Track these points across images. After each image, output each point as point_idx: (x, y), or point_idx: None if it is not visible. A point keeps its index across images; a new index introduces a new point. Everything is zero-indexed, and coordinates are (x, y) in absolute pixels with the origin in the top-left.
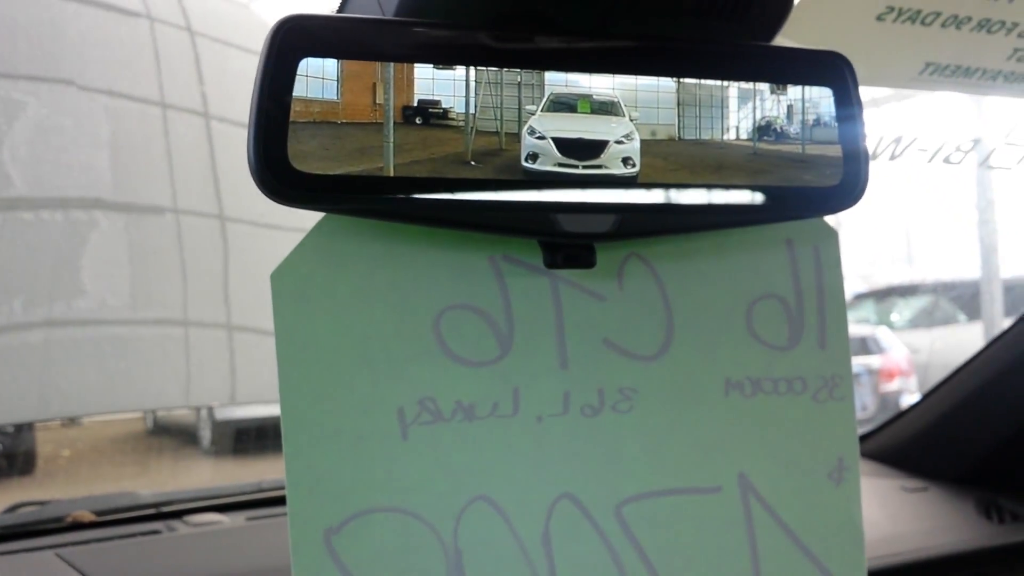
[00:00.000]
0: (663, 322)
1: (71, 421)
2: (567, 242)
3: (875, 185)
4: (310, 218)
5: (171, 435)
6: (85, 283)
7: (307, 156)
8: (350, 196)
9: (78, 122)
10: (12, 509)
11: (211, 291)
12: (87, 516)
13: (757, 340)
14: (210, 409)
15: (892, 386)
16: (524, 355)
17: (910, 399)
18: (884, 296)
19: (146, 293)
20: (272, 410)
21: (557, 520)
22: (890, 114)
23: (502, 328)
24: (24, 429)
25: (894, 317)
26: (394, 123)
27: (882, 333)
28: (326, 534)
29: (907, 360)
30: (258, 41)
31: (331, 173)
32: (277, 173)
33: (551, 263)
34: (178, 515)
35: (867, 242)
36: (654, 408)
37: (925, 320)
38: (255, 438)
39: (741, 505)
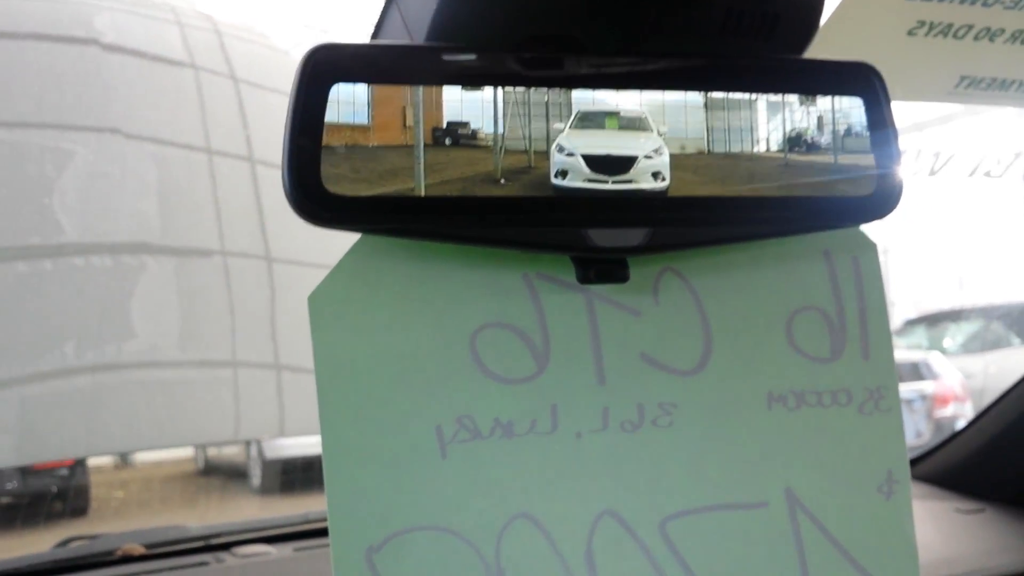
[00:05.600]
0: (701, 336)
1: (124, 461)
2: (599, 257)
3: (922, 210)
4: None
5: (220, 475)
6: (135, 325)
7: (340, 179)
8: (383, 216)
9: (125, 169)
10: (63, 544)
11: (258, 330)
12: (137, 549)
13: (798, 352)
14: (259, 448)
15: (946, 412)
16: (561, 372)
17: (965, 424)
18: (935, 321)
19: (194, 334)
20: (317, 447)
21: (600, 537)
22: (933, 137)
23: (538, 345)
24: (78, 471)
25: (946, 342)
26: (424, 144)
27: (934, 358)
28: (367, 553)
29: (961, 385)
30: None
31: (364, 195)
32: (311, 196)
33: (584, 279)
34: (226, 547)
35: (916, 267)
36: (695, 423)
37: (978, 344)
38: (301, 474)
39: (789, 521)
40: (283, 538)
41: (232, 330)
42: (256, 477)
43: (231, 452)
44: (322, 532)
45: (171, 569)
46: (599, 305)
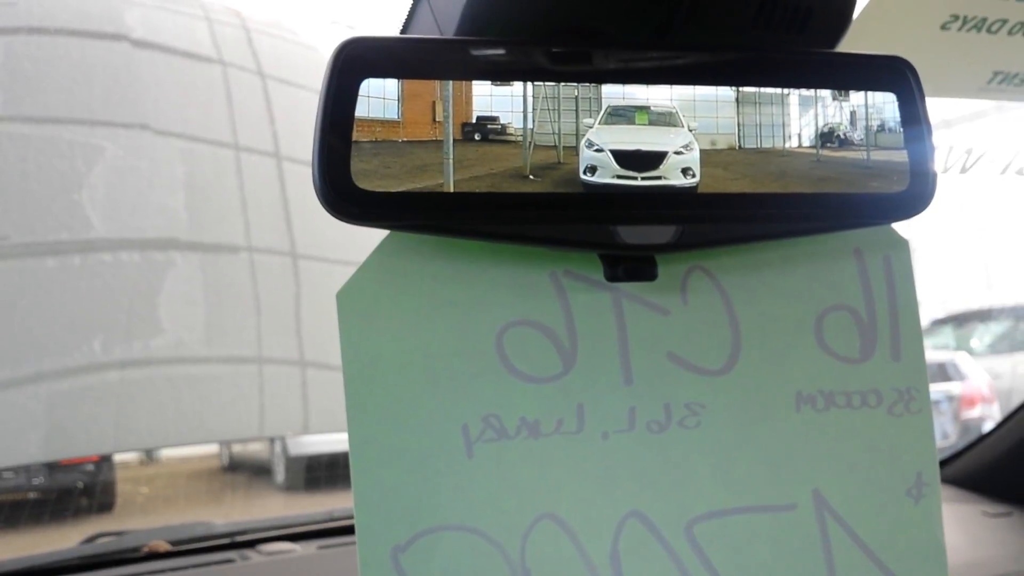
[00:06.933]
0: (729, 336)
1: (149, 458)
2: (628, 254)
3: (950, 208)
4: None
5: (245, 472)
6: (162, 321)
7: (369, 174)
8: (411, 213)
9: (154, 165)
10: (90, 540)
11: (284, 326)
12: (163, 546)
13: (828, 353)
14: (283, 445)
15: (973, 413)
16: (588, 371)
17: (992, 426)
18: (963, 322)
19: (221, 330)
20: (342, 444)
21: (626, 539)
22: (962, 135)
23: (565, 344)
24: (104, 467)
25: (974, 343)
26: (454, 140)
27: (962, 359)
28: (393, 552)
29: (988, 386)
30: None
31: (393, 191)
32: (341, 192)
33: (612, 276)
34: (251, 544)
35: (944, 267)
36: (723, 423)
37: (1006, 345)
38: (326, 471)
39: (816, 523)
40: (308, 536)
41: (258, 326)
42: (280, 474)
43: (256, 449)
44: (347, 530)
45: (197, 566)
46: (626, 304)
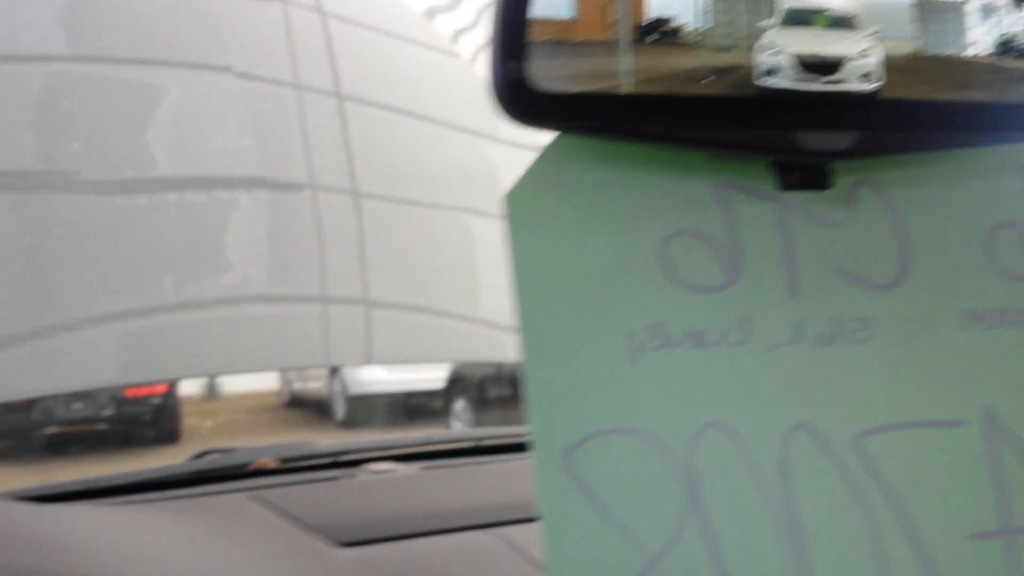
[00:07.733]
0: (898, 250)
1: (211, 393)
2: (803, 161)
3: None
4: (441, 189)
5: (303, 409)
6: (230, 258)
7: (544, 76)
8: (588, 114)
9: (219, 104)
10: (199, 456)
11: (348, 264)
12: (270, 463)
13: (997, 270)
14: (343, 384)
15: None
16: (752, 283)
17: None
18: None
19: (286, 267)
20: (397, 384)
21: (794, 450)
22: None
23: (728, 255)
24: (170, 400)
25: None
26: (627, 41)
27: None
28: (564, 452)
29: None
30: (389, 22)
31: (568, 92)
32: (517, 93)
33: (788, 184)
34: (355, 464)
35: None
36: (891, 339)
37: None
38: (385, 408)
39: (986, 440)
40: (409, 458)
41: (321, 263)
42: (340, 411)
43: (315, 387)
44: (447, 454)
45: (304, 483)
46: (792, 215)
